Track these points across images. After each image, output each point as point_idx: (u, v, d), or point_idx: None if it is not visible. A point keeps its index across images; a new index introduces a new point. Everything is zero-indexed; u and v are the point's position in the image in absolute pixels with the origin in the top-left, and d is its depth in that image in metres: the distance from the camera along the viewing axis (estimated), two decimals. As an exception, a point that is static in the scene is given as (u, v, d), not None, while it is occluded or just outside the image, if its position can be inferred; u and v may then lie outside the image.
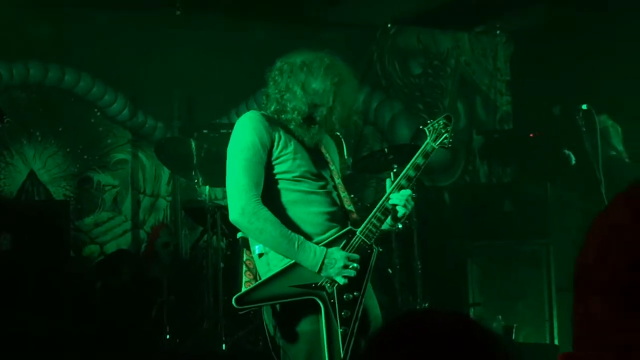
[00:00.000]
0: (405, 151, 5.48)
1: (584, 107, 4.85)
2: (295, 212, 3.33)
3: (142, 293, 6.20)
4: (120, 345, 5.63)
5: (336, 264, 3.21)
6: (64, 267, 5.52)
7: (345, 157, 5.31)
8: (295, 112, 3.34)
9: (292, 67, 3.38)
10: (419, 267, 6.03)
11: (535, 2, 7.47)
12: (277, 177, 3.33)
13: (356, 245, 3.30)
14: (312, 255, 3.21)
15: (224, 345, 5.44)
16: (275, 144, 3.31)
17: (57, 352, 5.09)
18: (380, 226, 3.35)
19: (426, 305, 5.93)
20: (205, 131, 6.40)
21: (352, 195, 3.85)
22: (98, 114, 7.06)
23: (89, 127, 7.02)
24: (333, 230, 3.35)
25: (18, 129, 6.62)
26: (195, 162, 5.94)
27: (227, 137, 3.38)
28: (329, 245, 3.28)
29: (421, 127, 3.55)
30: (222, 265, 5.74)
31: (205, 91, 7.26)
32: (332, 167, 3.51)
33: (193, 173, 5.98)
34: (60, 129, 6.88)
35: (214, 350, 5.53)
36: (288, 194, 3.34)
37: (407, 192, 3.36)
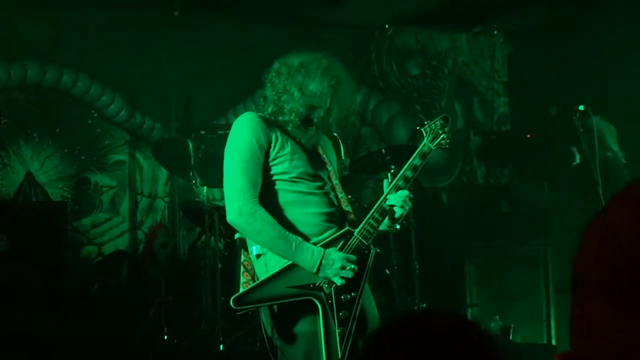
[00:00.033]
0: (403, 152, 5.48)
1: (581, 107, 4.86)
2: (293, 213, 3.33)
3: (139, 294, 6.20)
4: (118, 346, 5.63)
5: (334, 265, 3.21)
6: (61, 269, 5.51)
7: (343, 157, 5.32)
8: (293, 114, 3.34)
9: (290, 68, 3.38)
10: (417, 267, 6.03)
11: (532, 3, 7.47)
12: (274, 178, 3.34)
13: (354, 246, 3.30)
14: (309, 255, 3.21)
15: (221, 346, 5.44)
16: (272, 145, 3.31)
17: (55, 353, 5.09)
18: (378, 227, 3.35)
19: (424, 306, 5.93)
20: (202, 132, 6.40)
21: (350, 196, 3.84)
22: (95, 115, 7.05)
23: (86, 128, 7.02)
24: (330, 231, 3.35)
25: (15, 130, 6.62)
26: (192, 163, 5.94)
27: (225, 138, 3.38)
28: (326, 246, 3.28)
29: (418, 128, 3.55)
30: (219, 266, 5.74)
31: (203, 92, 7.26)
32: (330, 168, 3.51)
33: (191, 174, 5.98)
34: (57, 130, 6.87)
35: (211, 350, 5.53)
36: (285, 194, 3.34)
37: (404, 192, 3.36)
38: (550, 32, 7.76)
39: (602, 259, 1.00)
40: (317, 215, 3.35)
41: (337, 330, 3.19)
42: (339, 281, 3.22)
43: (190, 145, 5.95)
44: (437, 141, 3.49)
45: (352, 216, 3.46)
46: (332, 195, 3.46)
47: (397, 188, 3.37)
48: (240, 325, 5.56)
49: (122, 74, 7.04)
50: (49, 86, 6.86)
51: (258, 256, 3.32)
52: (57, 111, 6.90)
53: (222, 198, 3.44)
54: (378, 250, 3.40)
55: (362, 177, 7.53)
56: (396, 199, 3.34)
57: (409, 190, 3.41)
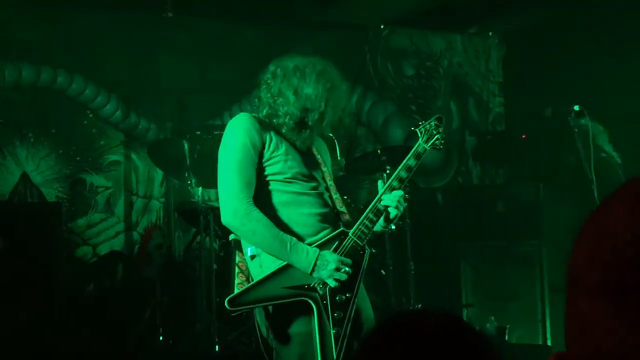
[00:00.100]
0: (398, 152, 5.47)
1: (576, 108, 4.87)
2: (287, 214, 3.33)
3: (135, 295, 6.19)
4: (114, 347, 5.62)
5: (328, 266, 3.22)
6: (56, 269, 5.50)
7: (338, 158, 5.32)
8: (288, 117, 3.34)
9: (285, 71, 3.39)
10: (412, 268, 6.03)
11: (527, 4, 7.48)
12: (269, 178, 3.34)
13: (348, 246, 3.31)
14: (304, 256, 3.22)
15: (216, 347, 5.43)
16: (267, 145, 3.32)
17: (50, 354, 5.08)
18: (373, 227, 3.35)
19: (419, 306, 5.93)
20: (198, 133, 6.38)
21: (346, 197, 3.85)
22: (91, 115, 7.04)
23: (81, 128, 7.00)
24: (325, 232, 3.35)
25: (10, 130, 6.60)
26: (188, 163, 5.93)
27: (220, 138, 3.38)
28: (321, 246, 3.28)
29: (412, 128, 3.55)
30: (215, 266, 5.73)
31: (198, 93, 7.25)
32: (324, 169, 3.51)
33: (186, 174, 5.98)
34: (52, 131, 6.86)
35: (207, 351, 5.52)
36: (279, 195, 3.34)
37: (399, 193, 3.37)
38: (542, 33, 7.76)
39: (596, 258, 1.00)
40: (312, 216, 3.35)
41: (332, 331, 3.19)
42: (332, 283, 3.22)
43: (186, 145, 5.95)
44: (431, 142, 3.49)
45: (346, 217, 3.46)
46: (326, 195, 3.46)
47: (392, 188, 3.37)
48: (235, 326, 5.55)
49: (117, 74, 7.03)
50: (44, 87, 6.84)
51: (253, 257, 3.32)
52: (52, 112, 6.88)
53: (218, 199, 3.43)
54: (373, 251, 3.40)
55: (357, 178, 7.52)
56: (390, 200, 3.35)
57: (404, 190, 3.41)
